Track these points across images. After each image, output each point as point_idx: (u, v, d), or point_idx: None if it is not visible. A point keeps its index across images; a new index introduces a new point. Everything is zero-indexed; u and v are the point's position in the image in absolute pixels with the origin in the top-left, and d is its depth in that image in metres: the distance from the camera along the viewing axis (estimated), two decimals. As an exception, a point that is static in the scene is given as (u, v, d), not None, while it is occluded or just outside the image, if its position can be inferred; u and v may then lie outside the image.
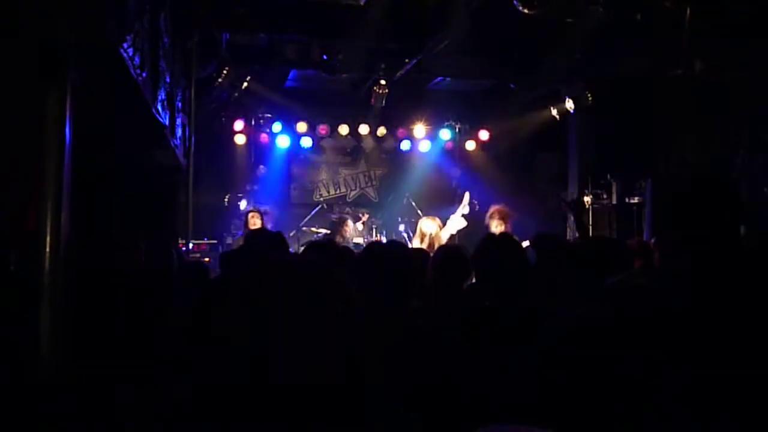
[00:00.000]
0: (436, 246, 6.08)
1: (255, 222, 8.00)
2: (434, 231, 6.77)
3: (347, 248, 5.76)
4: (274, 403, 1.11)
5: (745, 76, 8.38)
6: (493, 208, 7.34)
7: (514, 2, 6.92)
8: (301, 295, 1.16)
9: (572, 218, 4.93)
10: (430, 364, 2.15)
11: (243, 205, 10.14)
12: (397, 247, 3.23)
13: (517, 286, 3.00)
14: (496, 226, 7.05)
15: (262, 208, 8.71)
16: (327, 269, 1.22)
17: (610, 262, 3.35)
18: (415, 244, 6.51)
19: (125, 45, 3.60)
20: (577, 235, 4.88)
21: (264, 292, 1.16)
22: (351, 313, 1.20)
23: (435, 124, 11.56)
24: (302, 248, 9.27)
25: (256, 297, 1.16)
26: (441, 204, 11.62)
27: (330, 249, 3.39)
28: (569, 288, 3.13)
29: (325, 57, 8.73)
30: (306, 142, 11.19)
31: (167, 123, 5.46)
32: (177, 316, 2.20)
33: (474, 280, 3.38)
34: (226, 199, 10.52)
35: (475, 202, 11.33)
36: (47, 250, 2.12)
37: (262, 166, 11.02)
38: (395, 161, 11.90)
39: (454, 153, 11.95)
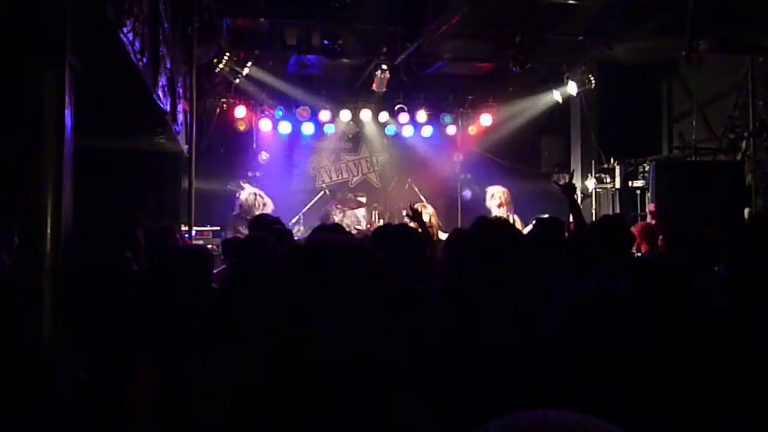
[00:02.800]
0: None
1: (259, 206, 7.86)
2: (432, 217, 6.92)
3: (350, 233, 5.78)
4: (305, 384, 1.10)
5: (749, 57, 8.32)
6: (494, 191, 7.33)
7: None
8: (345, 276, 1.15)
9: (568, 201, 4.91)
10: (441, 346, 2.15)
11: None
12: (406, 230, 3.22)
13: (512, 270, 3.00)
14: (498, 208, 7.09)
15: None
16: (368, 250, 1.21)
17: (612, 241, 3.34)
18: None
19: (125, 29, 3.57)
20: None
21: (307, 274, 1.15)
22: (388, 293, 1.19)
23: (437, 109, 11.51)
24: (309, 231, 9.29)
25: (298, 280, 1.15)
26: (443, 189, 11.63)
27: (339, 230, 3.38)
28: (570, 269, 3.12)
29: (326, 42, 8.68)
30: (308, 128, 11.15)
31: (168, 109, 5.44)
32: (179, 301, 2.19)
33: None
34: (228, 186, 10.51)
35: (476, 187, 11.35)
36: (48, 234, 2.11)
37: (263, 153, 10.98)
38: (397, 146, 11.86)
39: (456, 137, 11.90)
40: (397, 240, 2.80)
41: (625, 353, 1.46)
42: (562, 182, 5.38)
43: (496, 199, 7.28)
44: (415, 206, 4.98)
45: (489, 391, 1.85)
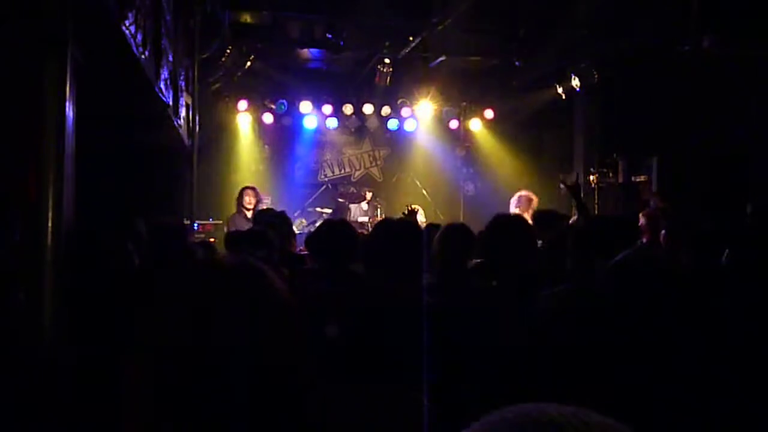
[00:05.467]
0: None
1: (250, 200, 7.89)
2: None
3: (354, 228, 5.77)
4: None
5: (753, 52, 8.29)
6: (520, 195, 7.15)
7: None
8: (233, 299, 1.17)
9: (573, 200, 4.94)
10: (444, 339, 2.15)
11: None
12: (408, 224, 3.22)
13: (524, 265, 3.00)
14: (522, 212, 7.00)
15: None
16: (257, 271, 1.22)
17: (615, 239, 3.33)
18: None
19: (127, 22, 3.56)
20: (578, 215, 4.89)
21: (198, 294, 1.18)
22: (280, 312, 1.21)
23: (440, 103, 11.49)
24: (308, 226, 9.31)
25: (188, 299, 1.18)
26: (445, 184, 11.63)
27: (343, 227, 3.38)
28: (572, 266, 3.12)
29: (329, 35, 8.66)
30: (310, 122, 11.14)
31: (171, 102, 5.44)
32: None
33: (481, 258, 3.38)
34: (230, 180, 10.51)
35: (476, 184, 11.36)
36: (49, 227, 2.11)
37: (266, 146, 10.98)
38: (400, 141, 11.85)
39: (459, 132, 11.89)
40: (398, 235, 2.80)
41: (601, 350, 1.47)
42: (569, 182, 5.38)
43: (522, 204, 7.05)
44: (412, 207, 5.08)
45: (484, 388, 1.85)
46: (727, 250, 2.89)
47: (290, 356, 1.19)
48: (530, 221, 6.46)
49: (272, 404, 1.13)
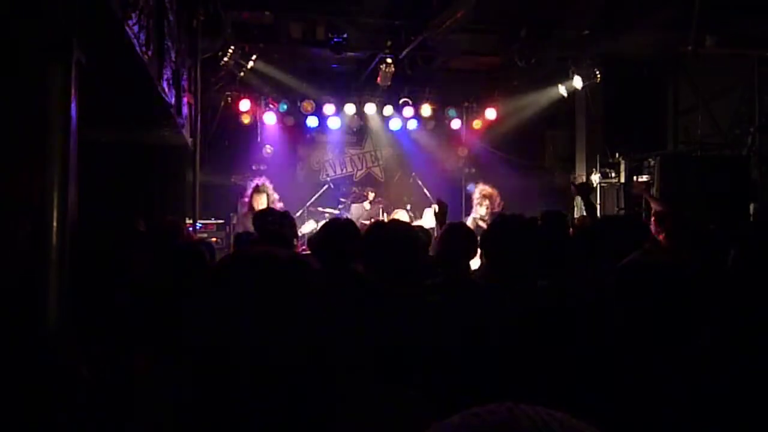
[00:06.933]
0: None
1: (259, 199, 7.73)
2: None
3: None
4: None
5: (756, 52, 8.29)
6: (480, 190, 7.28)
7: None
8: (266, 287, 1.17)
9: (582, 200, 4.97)
10: (444, 339, 2.16)
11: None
12: (402, 225, 3.23)
13: (527, 265, 3.00)
14: (482, 206, 7.06)
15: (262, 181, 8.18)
16: (294, 262, 1.23)
17: (622, 239, 3.33)
18: None
19: (130, 22, 3.58)
20: (585, 214, 4.92)
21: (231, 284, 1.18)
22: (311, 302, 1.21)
23: (442, 103, 11.49)
24: (314, 225, 9.29)
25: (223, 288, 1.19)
26: (447, 183, 11.62)
27: (345, 226, 3.38)
28: (577, 265, 3.13)
29: (330, 35, 8.66)
30: (312, 121, 11.15)
31: (173, 102, 5.45)
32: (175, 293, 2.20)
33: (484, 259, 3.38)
34: (232, 179, 10.52)
35: (481, 181, 11.34)
36: (54, 227, 2.12)
37: (268, 146, 10.99)
38: (401, 140, 11.85)
39: (460, 132, 11.89)
40: (391, 241, 2.80)
41: (603, 351, 1.47)
42: (578, 182, 5.43)
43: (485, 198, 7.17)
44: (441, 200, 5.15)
45: (484, 387, 1.85)
46: (732, 251, 2.89)
47: (313, 355, 1.20)
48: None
49: (283, 402, 1.14)
